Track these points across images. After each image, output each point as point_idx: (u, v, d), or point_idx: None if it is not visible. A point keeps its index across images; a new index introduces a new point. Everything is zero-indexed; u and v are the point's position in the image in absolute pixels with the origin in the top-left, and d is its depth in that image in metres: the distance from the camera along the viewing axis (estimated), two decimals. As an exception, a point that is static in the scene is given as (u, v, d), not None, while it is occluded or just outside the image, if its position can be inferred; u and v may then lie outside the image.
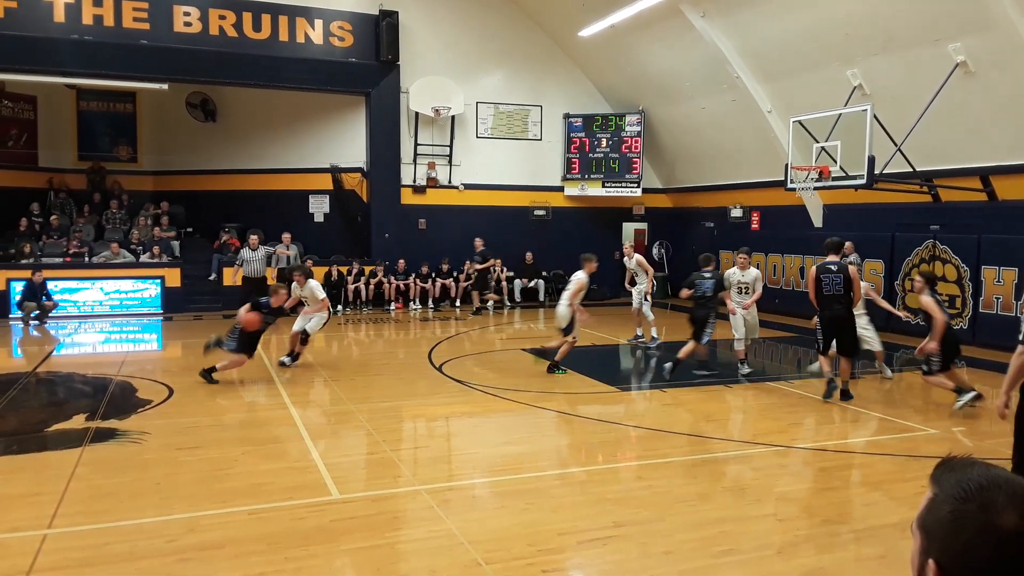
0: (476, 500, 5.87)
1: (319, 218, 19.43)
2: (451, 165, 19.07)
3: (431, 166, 18.87)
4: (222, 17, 16.76)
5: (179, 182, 20.24)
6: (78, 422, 7.85)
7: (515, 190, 19.65)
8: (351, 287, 17.47)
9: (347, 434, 7.82)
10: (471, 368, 10.81)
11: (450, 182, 19.08)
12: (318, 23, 17.53)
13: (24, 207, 18.03)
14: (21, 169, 19.07)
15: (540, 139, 19.87)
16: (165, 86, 17.43)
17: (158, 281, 16.59)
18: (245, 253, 14.94)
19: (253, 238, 15.16)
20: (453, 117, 18.70)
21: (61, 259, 16.62)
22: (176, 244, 18.14)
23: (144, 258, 17.24)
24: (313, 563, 4.60)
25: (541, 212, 19.97)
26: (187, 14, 16.51)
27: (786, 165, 13.71)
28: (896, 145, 11.84)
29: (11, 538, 4.94)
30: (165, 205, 19.28)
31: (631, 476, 6.45)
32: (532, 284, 19.08)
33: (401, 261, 17.95)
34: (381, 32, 17.72)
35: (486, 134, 19.44)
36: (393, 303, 17.64)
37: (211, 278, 17.23)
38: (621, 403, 9.15)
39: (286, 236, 17.16)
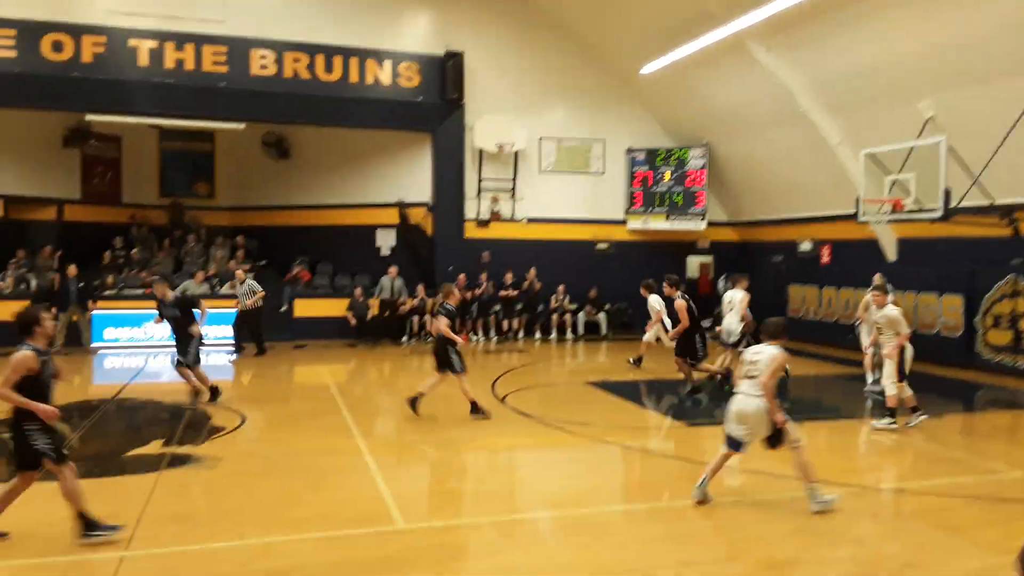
0: (540, 534, 5.84)
1: (385, 252, 19.82)
2: (514, 199, 19.27)
3: (494, 200, 19.12)
4: (296, 60, 17.44)
5: (253, 217, 20.98)
6: (155, 447, 8.14)
7: (578, 224, 19.71)
8: (415, 319, 17.70)
9: (412, 465, 7.88)
10: (534, 401, 10.78)
11: (513, 216, 19.26)
12: (386, 64, 18.08)
13: (108, 241, 18.95)
14: (106, 205, 20.07)
15: (603, 173, 19.94)
16: (242, 126, 18.20)
17: (233, 312, 17.08)
18: (239, 288, 15.59)
19: (239, 272, 15.96)
20: (516, 152, 18.94)
21: (141, 291, 17.32)
22: (250, 277, 18.67)
23: (226, 289, 17.81)
24: (379, 592, 4.64)
25: (604, 246, 19.95)
26: (263, 57, 17.25)
27: (857, 198, 13.42)
28: (973, 177, 11.48)
29: (91, 559, 5.14)
30: (241, 239, 19.97)
31: (699, 514, 6.31)
32: (595, 317, 19.02)
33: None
34: (447, 72, 18.17)
35: (549, 168, 19.61)
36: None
37: (282, 310, 17.70)
38: (688, 438, 8.99)
39: (392, 269, 17.96)
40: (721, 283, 20.15)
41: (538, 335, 18.14)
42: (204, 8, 16.91)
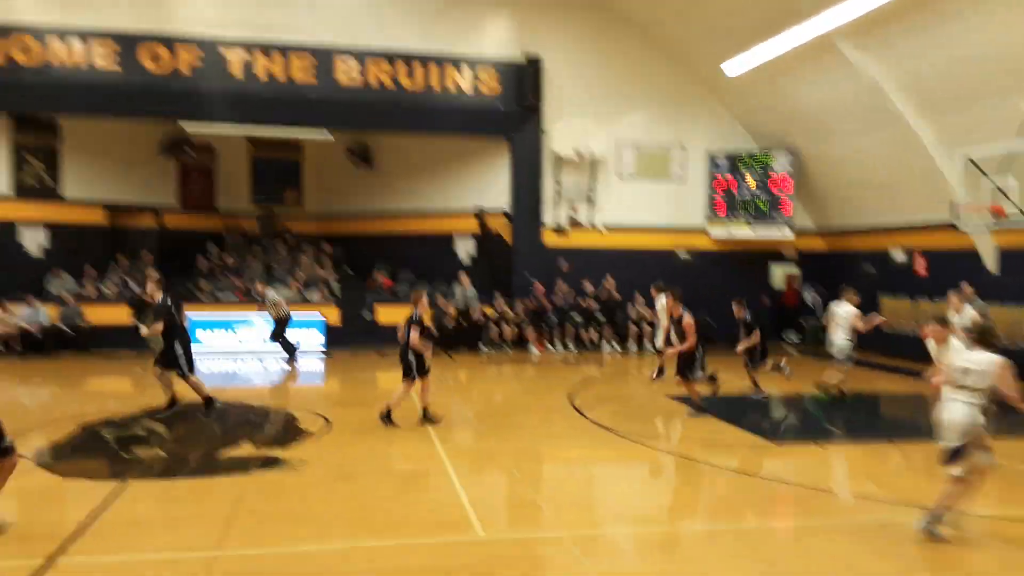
0: (619, 550, 5.76)
1: (464, 259, 20.02)
2: (592, 207, 19.17)
3: (572, 208, 19.06)
4: (379, 68, 17.84)
5: (338, 224, 21.55)
6: (246, 450, 8.42)
7: (657, 231, 19.44)
8: (494, 328, 17.80)
9: (491, 474, 7.92)
10: (613, 413, 10.67)
11: (591, 224, 19.16)
12: (466, 70, 18.30)
13: (203, 248, 19.79)
14: (201, 212, 20.98)
15: (683, 179, 19.62)
16: (329, 136, 18.75)
17: (320, 319, 17.58)
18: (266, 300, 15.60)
19: (259, 285, 16.12)
20: (594, 158, 18.85)
21: (234, 297, 18.02)
22: (336, 283, 19.22)
23: (315, 296, 18.35)
24: (460, 603, 4.67)
25: (684, 254, 19.61)
26: (348, 66, 17.72)
27: (953, 204, 12.78)
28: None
29: (186, 557, 5.34)
30: (327, 246, 20.53)
31: (786, 537, 6.12)
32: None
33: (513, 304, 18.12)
34: (525, 77, 18.26)
35: (628, 174, 19.43)
36: (535, 344, 17.78)
37: (365, 316, 18.09)
38: (774, 456, 8.72)
39: (464, 278, 18.06)
40: (807, 295, 19.54)
41: (616, 346, 17.96)
42: (292, 18, 17.48)
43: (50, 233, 17.67)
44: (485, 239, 19.59)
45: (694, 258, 19.58)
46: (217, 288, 18.33)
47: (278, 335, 15.34)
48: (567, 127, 18.64)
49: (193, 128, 18.62)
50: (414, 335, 9.37)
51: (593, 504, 7.05)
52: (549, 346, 17.91)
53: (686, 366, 10.32)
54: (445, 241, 20.04)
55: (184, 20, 16.97)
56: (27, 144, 17.45)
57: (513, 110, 18.41)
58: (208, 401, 10.25)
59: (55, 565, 5.11)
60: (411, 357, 9.46)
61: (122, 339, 15.66)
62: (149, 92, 16.69)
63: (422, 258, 19.91)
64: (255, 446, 8.53)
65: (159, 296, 10.11)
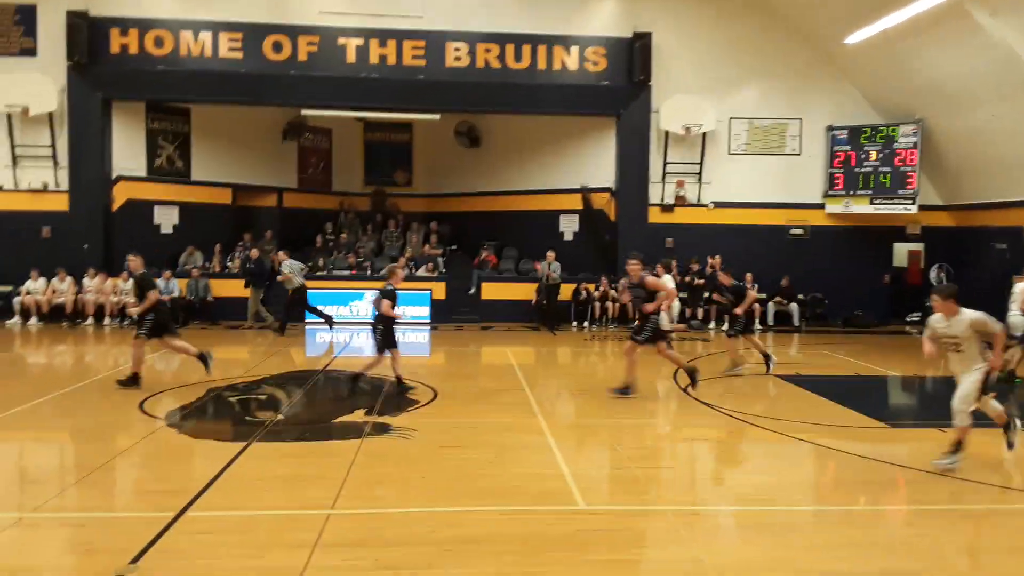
0: (723, 528, 5.70)
1: (568, 237, 20.04)
2: (701, 183, 18.74)
3: (680, 184, 18.68)
4: (487, 50, 18.02)
5: (446, 203, 22.01)
6: (358, 416, 8.82)
7: (769, 208, 18.80)
8: (597, 305, 17.77)
9: (593, 447, 7.97)
10: (720, 392, 10.48)
11: (699, 200, 18.74)
12: (574, 50, 18.20)
13: (320, 226, 20.68)
14: (319, 193, 21.91)
15: (799, 153, 18.85)
16: (437, 117, 19.14)
17: (427, 294, 18.10)
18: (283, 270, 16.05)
19: (280, 254, 16.53)
20: (704, 134, 18.38)
21: (348, 272, 18.80)
22: (442, 260, 19.68)
23: (422, 272, 18.88)
24: (560, 569, 4.76)
25: (798, 231, 18.89)
26: (457, 49, 17.98)
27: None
28: None
29: (303, 514, 5.69)
30: (435, 225, 21.04)
31: (899, 521, 5.88)
32: (786, 307, 18.09)
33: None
34: (633, 54, 17.98)
35: (739, 150, 18.85)
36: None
37: (471, 292, 18.47)
38: (889, 440, 8.35)
39: (550, 253, 17.96)
40: (933, 273, 18.46)
41: (724, 325, 17.53)
42: (405, 5, 17.89)
43: (181, 212, 18.90)
44: (589, 217, 19.52)
45: (809, 234, 18.83)
46: (332, 264, 19.13)
47: (300, 305, 16.18)
48: (676, 103, 18.26)
49: (311, 113, 19.43)
50: (385, 306, 9.74)
51: (696, 481, 7.00)
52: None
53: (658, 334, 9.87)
54: (550, 218, 20.10)
55: (303, 11, 17.68)
56: (161, 130, 18.70)
57: (621, 87, 18.19)
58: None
59: (185, 517, 5.55)
60: (390, 331, 9.88)
61: (243, 310, 16.71)
62: (271, 80, 17.56)
63: (528, 236, 20.07)
64: (368, 414, 8.91)
65: (138, 272, 10.42)
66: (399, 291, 10.15)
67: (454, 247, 20.75)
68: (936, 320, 7.00)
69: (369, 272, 18.89)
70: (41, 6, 17.10)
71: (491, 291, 18.38)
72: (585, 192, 19.17)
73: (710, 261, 17.90)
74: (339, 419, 8.75)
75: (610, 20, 18.33)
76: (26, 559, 5.02)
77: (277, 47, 17.64)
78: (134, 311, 10.49)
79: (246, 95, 17.86)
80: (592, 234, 19.52)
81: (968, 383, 6.81)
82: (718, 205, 18.74)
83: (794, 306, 18.07)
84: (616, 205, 18.81)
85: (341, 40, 17.78)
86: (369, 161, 22.77)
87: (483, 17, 18.06)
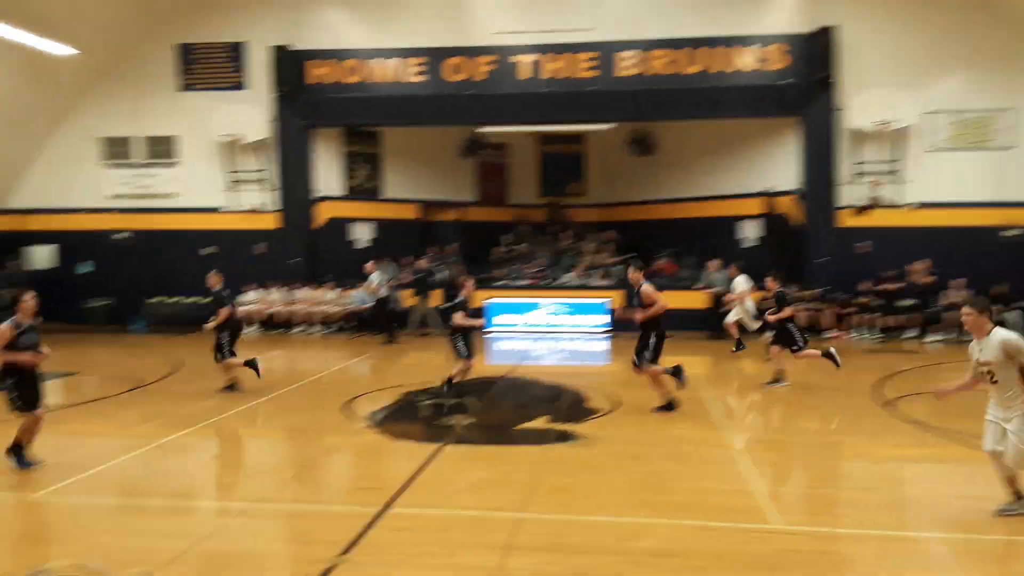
0: (935, 557, 5.29)
1: (749, 243, 19.32)
2: (897, 183, 17.40)
3: (875, 184, 17.45)
4: (660, 57, 17.83)
5: (621, 212, 21.97)
6: (541, 423, 9.04)
7: (975, 207, 17.10)
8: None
9: (782, 463, 7.66)
10: (926, 408, 9.68)
11: (896, 202, 17.40)
12: (750, 50, 17.58)
13: (498, 238, 21.39)
14: (496, 206, 22.67)
15: (1011, 148, 17.01)
16: (609, 126, 19.21)
17: (604, 303, 18.16)
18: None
19: (368, 265, 16.90)
20: (899, 130, 17.07)
21: (526, 282, 19.29)
22: (618, 269, 19.63)
23: (598, 281, 19.01)
24: (755, 587, 4.64)
25: (1014, 232, 17.03)
26: (629, 58, 17.95)
27: None
28: None
29: (494, 516, 5.93)
30: (611, 234, 21.07)
31: None
32: (1000, 315, 16.34)
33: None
34: (816, 50, 17.07)
35: (941, 146, 17.31)
36: (831, 330, 16.65)
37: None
38: None
39: (714, 262, 17.43)
40: None
41: (929, 335, 16.19)
42: (576, 18, 18.12)
43: (373, 227, 20.26)
44: (772, 222, 18.71)
45: (1026, 237, 16.94)
46: (510, 275, 19.71)
47: (379, 313, 16.72)
48: (866, 98, 17.10)
49: (488, 130, 20.18)
50: (458, 317, 10.03)
51: (902, 505, 6.52)
52: (851, 332, 16.66)
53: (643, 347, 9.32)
54: (728, 225, 19.47)
55: (480, 33, 18.39)
56: (355, 152, 20.16)
57: (802, 85, 17.33)
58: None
59: (388, 514, 5.95)
60: (458, 341, 10.21)
61: (433, 319, 17.61)
62: (451, 100, 18.41)
63: (706, 243, 19.57)
64: (551, 421, 9.10)
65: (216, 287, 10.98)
66: (576, 300, 10.45)
67: (632, 255, 20.64)
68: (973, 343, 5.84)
69: (547, 282, 19.23)
70: (250, 43, 19.03)
71: (669, 300, 18.02)
72: (767, 196, 18.39)
73: (914, 267, 16.53)
74: (523, 425, 9.01)
75: (789, 16, 17.51)
76: (252, 544, 5.63)
77: (457, 69, 18.49)
78: (210, 326, 10.93)
79: (429, 116, 18.85)
80: (775, 240, 18.70)
81: (1018, 440, 5.49)
82: (918, 206, 17.30)
83: (1012, 315, 16.25)
84: (801, 209, 17.91)
85: (514, 58, 18.32)
86: (544, 173, 23.22)
87: (655, 24, 17.87)
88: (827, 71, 17.05)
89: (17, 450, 7.11)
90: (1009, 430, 5.55)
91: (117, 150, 19.56)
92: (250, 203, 19.15)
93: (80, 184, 19.55)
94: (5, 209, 19.62)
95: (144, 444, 8.03)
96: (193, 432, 8.69)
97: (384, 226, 20.30)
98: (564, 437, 8.30)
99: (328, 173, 19.60)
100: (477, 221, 22.02)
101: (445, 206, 21.52)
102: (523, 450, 7.95)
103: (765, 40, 17.55)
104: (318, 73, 18.81)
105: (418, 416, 9.72)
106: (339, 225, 19.76)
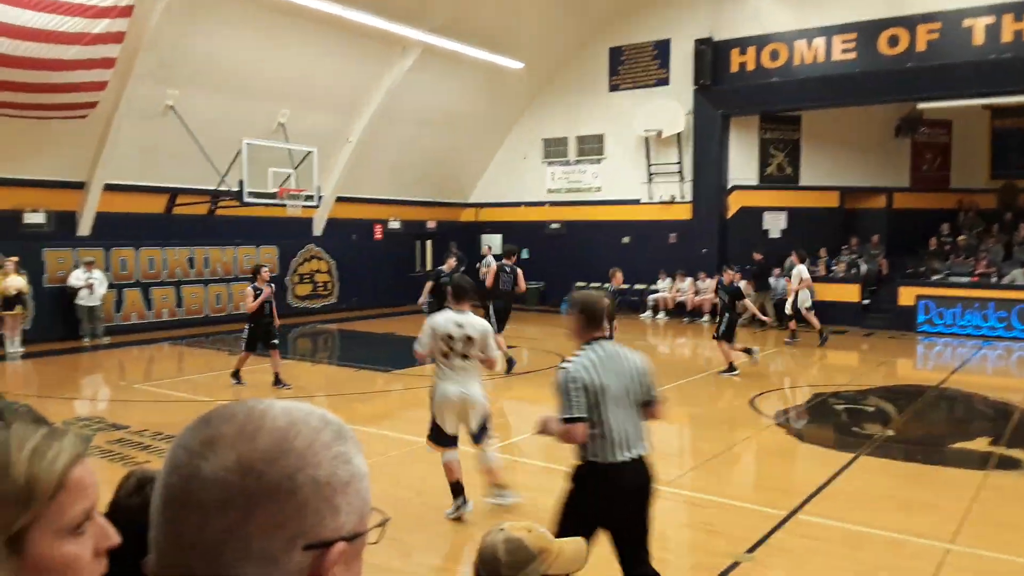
0: None
1: None
2: None
3: None
4: None
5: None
6: (980, 444, 7.92)
7: None
8: None
9: None
10: None
11: None
12: None
13: (934, 227, 18.98)
14: (933, 191, 20.09)
15: None
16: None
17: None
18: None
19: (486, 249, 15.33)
20: None
21: (967, 279, 16.84)
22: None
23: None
24: None
25: None
26: None
27: None
28: None
29: (916, 542, 5.40)
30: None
31: None
32: None
33: None
34: None
35: None
36: None
37: None
38: None
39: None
40: None
41: None
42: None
43: (788, 216, 19.50)
44: None
45: None
46: (948, 270, 17.38)
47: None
48: None
49: (929, 106, 17.93)
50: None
51: None
52: None
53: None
54: None
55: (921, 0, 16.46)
56: (772, 139, 19.59)
57: None
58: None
59: (795, 519, 5.82)
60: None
61: (848, 316, 16.42)
62: (885, 76, 16.77)
63: None
64: (993, 443, 7.93)
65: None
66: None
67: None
68: None
69: (995, 279, 16.55)
70: (674, 39, 19.63)
71: None
72: None
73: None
74: (957, 444, 7.99)
75: None
76: (657, 527, 5.94)
77: (893, 41, 16.74)
78: (252, 305, 10.32)
79: (858, 96, 17.41)
80: None
81: None
82: None
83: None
84: None
85: (967, 22, 15.91)
86: (996, 152, 19.87)
87: None
88: None
89: None
90: None
91: (554, 149, 21.93)
92: (667, 194, 19.90)
93: (526, 181, 22.37)
94: (467, 203, 23.42)
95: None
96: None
97: (800, 215, 19.44)
98: (1010, 464, 7.16)
99: (741, 162, 19.45)
100: (909, 208, 19.87)
101: (870, 192, 19.83)
102: (956, 473, 7.06)
103: None
104: (740, 61, 18.69)
105: (830, 420, 9.23)
106: (751, 214, 19.47)
